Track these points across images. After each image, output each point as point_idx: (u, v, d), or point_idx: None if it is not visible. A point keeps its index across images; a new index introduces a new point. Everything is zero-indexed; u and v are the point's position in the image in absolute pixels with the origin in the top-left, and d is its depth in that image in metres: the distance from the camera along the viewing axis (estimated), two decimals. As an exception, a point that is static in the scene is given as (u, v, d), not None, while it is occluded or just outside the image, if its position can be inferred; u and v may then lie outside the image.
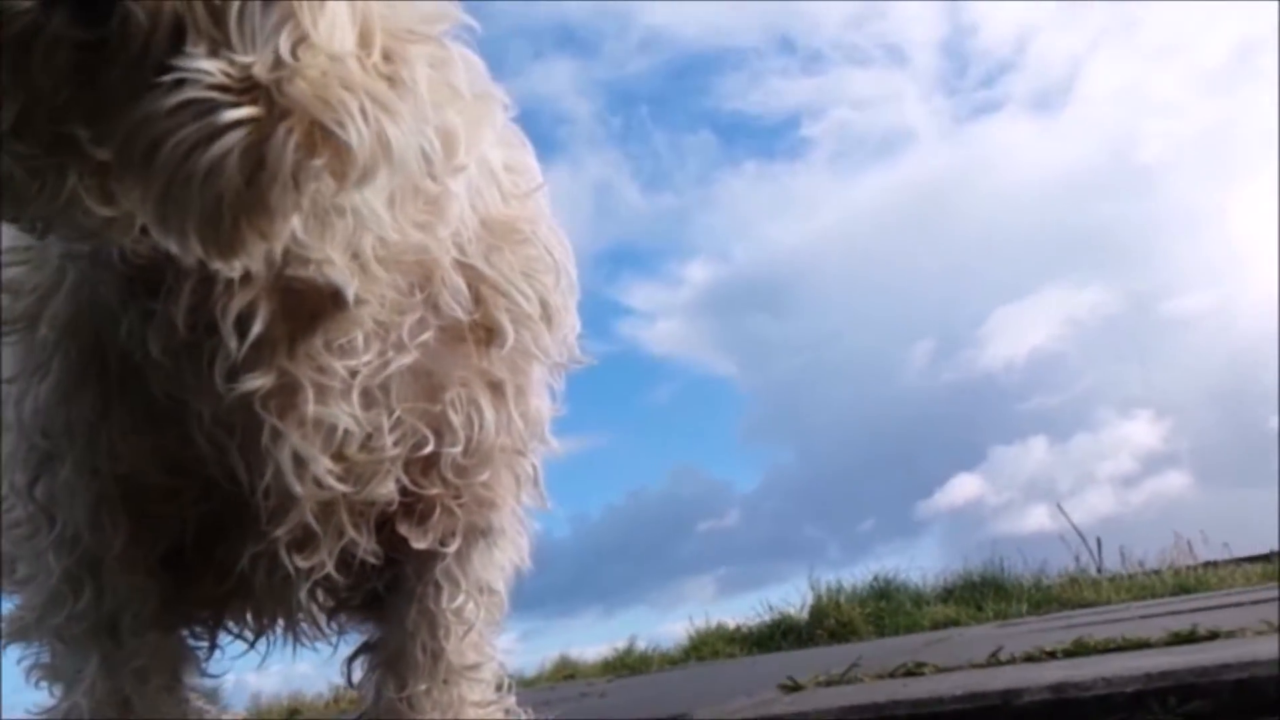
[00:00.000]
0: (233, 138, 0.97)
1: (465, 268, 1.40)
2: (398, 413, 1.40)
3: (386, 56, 1.07)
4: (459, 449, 1.48)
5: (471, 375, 1.47)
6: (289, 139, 0.98)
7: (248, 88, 0.98)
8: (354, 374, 1.32)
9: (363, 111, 1.01)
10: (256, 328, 1.24)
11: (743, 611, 9.21)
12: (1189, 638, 2.46)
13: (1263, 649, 1.89)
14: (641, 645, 9.18)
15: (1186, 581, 8.96)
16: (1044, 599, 8.90)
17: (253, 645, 1.80)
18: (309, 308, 1.27)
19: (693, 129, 16.34)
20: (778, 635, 8.68)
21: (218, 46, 0.98)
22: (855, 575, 9.27)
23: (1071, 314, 14.28)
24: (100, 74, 1.02)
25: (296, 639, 1.81)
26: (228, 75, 0.97)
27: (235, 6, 0.98)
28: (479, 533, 1.67)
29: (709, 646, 8.77)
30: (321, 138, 1.00)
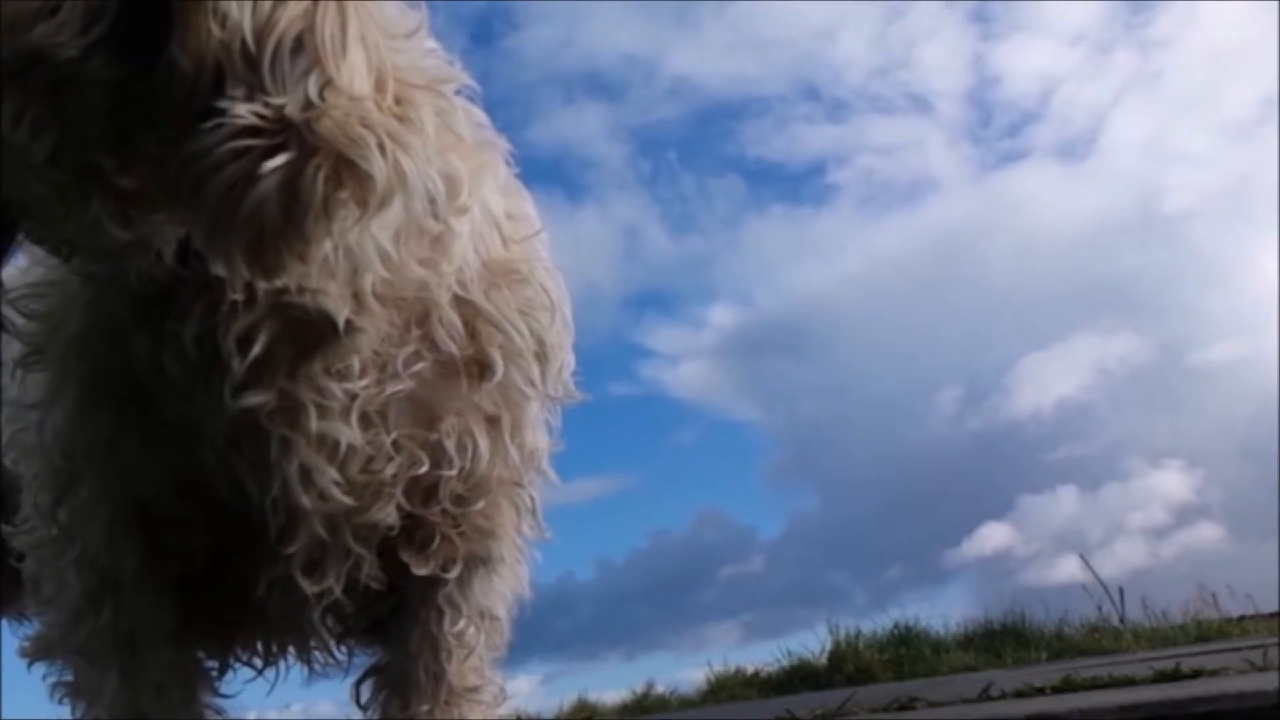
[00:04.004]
0: (270, 176, 1.08)
1: (464, 303, 1.49)
2: (395, 437, 1.49)
3: (398, 100, 1.18)
4: (455, 474, 1.57)
5: (466, 407, 1.55)
6: (319, 174, 1.10)
7: (281, 127, 1.09)
8: (353, 397, 1.41)
9: (380, 146, 1.13)
10: (256, 349, 1.34)
11: (765, 657, 9.16)
12: (1172, 675, 2.50)
13: (1235, 685, 1.94)
14: (660, 689, 9.15)
15: (1208, 633, 8.82)
16: (1064, 648, 8.84)
17: (261, 672, 1.88)
18: (311, 333, 1.37)
19: (720, 173, 16.46)
20: (796, 680, 8.62)
21: (253, 90, 1.09)
22: (879, 622, 9.20)
23: (1099, 363, 14.18)
24: (130, 110, 1.12)
25: (308, 664, 1.88)
26: (263, 116, 1.08)
27: (268, 55, 1.09)
28: (479, 560, 1.74)
29: (727, 690, 8.71)
30: (347, 171, 1.11)
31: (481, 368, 1.54)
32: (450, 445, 1.54)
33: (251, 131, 1.08)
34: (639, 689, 8.97)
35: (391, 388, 1.44)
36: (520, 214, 1.62)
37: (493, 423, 1.58)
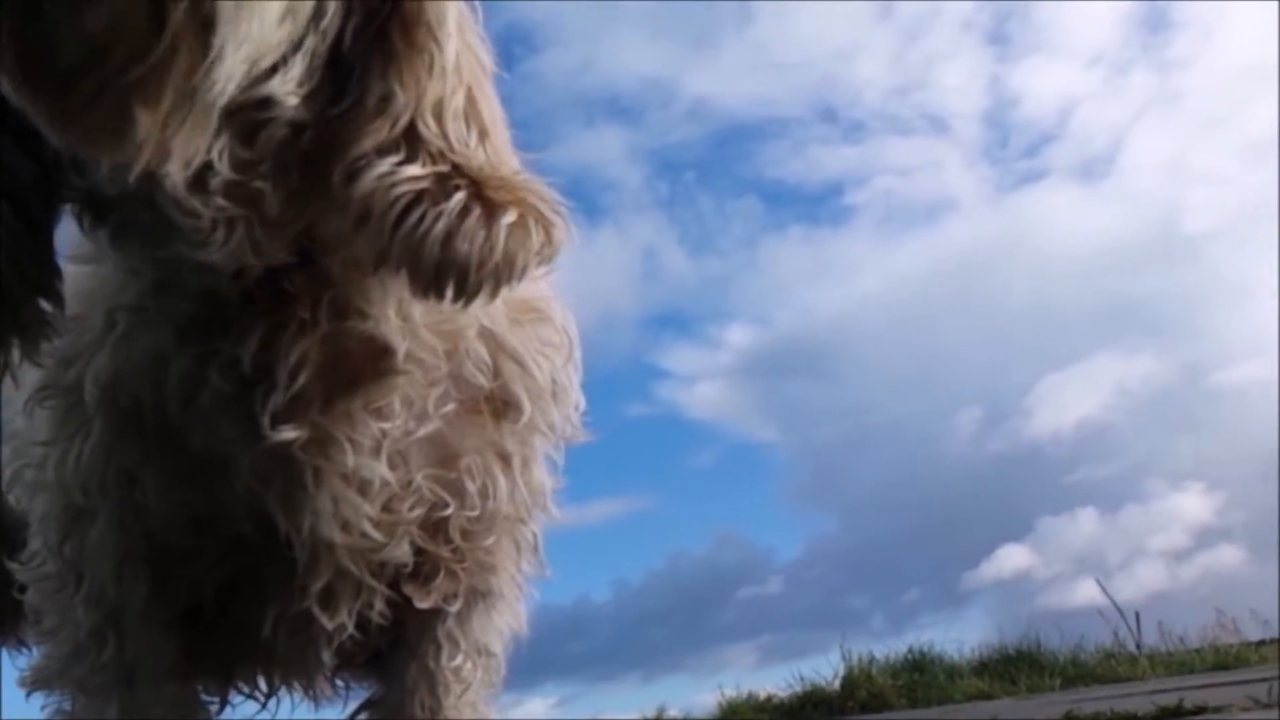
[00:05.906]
0: (468, 218, 1.22)
1: (489, 336, 1.51)
2: (417, 478, 1.50)
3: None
4: (473, 514, 1.57)
5: (484, 445, 1.56)
6: (512, 225, 1.25)
7: (469, 179, 1.24)
8: (384, 435, 1.43)
9: (552, 203, 1.29)
10: (302, 379, 1.35)
11: (782, 681, 9.07)
12: (1175, 712, 2.50)
13: (1236, 723, 1.94)
14: (673, 713, 9.08)
15: (1225, 660, 8.72)
16: (1078, 674, 8.76)
17: (264, 705, 1.86)
18: (348, 368, 1.39)
19: (738, 194, 16.43)
20: (809, 706, 8.55)
21: (436, 147, 1.23)
22: (895, 647, 9.11)
23: (1120, 384, 14.02)
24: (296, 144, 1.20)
25: (312, 697, 1.88)
26: (455, 168, 1.23)
27: (450, 115, 1.24)
28: (479, 595, 1.75)
29: (739, 716, 8.65)
30: (541, 224, 1.28)
31: (505, 406, 1.55)
32: (470, 485, 1.55)
33: (449, 178, 1.23)
34: (650, 713, 8.93)
35: (420, 429, 1.46)
36: None
37: (505, 460, 1.59)
